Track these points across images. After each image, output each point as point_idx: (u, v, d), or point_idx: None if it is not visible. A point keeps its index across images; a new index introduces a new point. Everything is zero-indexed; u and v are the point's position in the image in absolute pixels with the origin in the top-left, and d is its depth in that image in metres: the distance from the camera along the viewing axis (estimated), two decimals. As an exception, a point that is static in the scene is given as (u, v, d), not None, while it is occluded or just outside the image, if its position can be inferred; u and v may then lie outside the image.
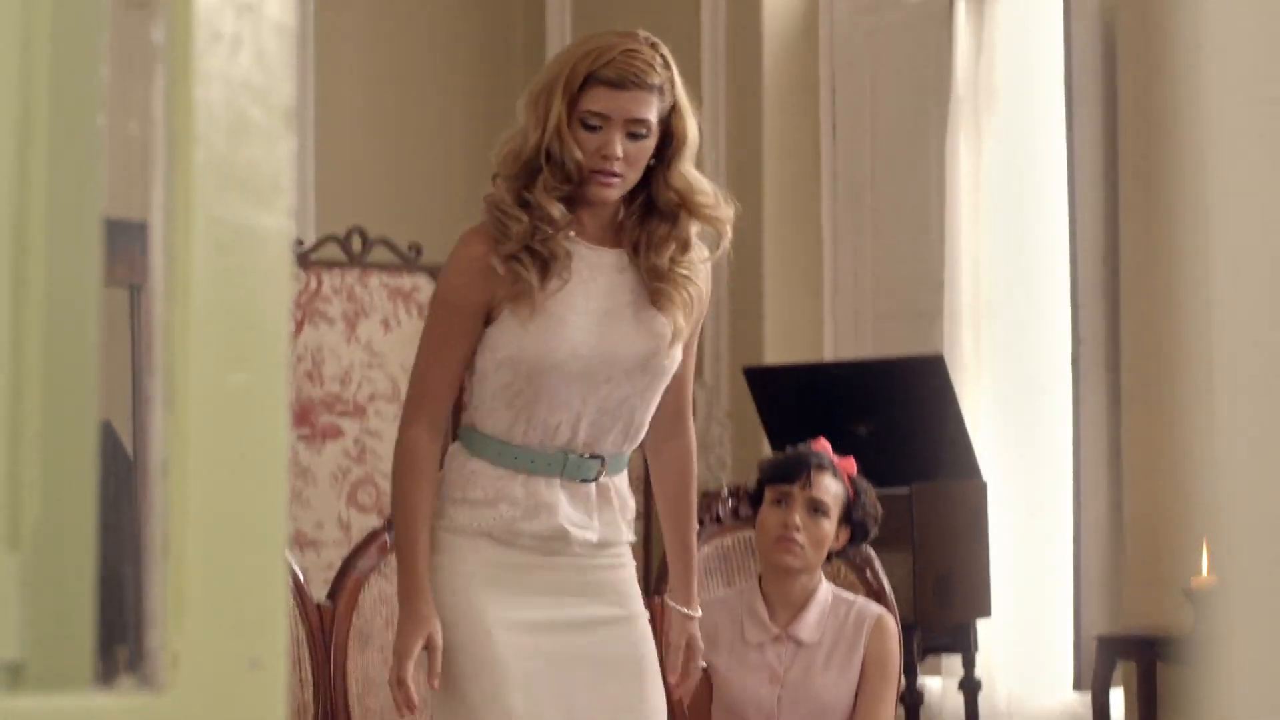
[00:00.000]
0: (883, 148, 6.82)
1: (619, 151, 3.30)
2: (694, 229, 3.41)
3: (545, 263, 3.35)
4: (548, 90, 3.34)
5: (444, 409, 3.44)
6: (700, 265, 3.44)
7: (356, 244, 6.84)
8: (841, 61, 6.88)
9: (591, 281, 3.40)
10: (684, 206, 3.38)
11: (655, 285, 3.39)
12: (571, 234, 3.38)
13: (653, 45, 3.36)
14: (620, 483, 3.49)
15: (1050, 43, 6.29)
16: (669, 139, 3.38)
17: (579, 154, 3.30)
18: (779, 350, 6.86)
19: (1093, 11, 6.15)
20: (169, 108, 1.21)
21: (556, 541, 3.40)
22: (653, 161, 3.39)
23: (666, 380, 3.45)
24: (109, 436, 5.15)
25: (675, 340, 3.41)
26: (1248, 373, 0.83)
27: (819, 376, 6.34)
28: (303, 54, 6.99)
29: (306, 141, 7.05)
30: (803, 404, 6.03)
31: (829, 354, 6.97)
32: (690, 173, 3.40)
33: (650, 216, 3.41)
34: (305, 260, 6.74)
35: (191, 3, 1.26)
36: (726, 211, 3.42)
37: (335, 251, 6.84)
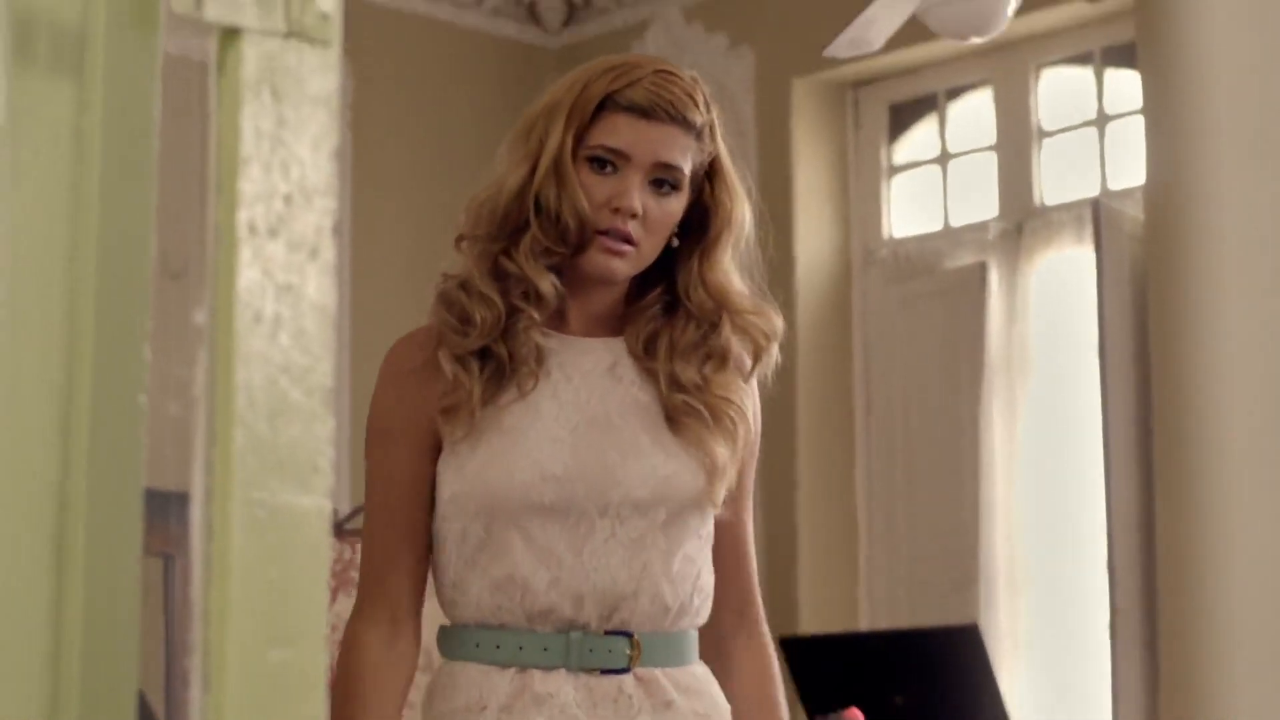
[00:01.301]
0: (916, 415, 6.83)
1: (637, 205, 2.40)
2: (727, 336, 2.51)
3: (502, 368, 2.42)
4: (546, 115, 2.45)
5: (403, 590, 2.42)
6: (742, 385, 2.53)
7: (391, 513, 6.83)
8: (874, 330, 6.93)
9: (565, 383, 2.46)
10: (724, 309, 2.50)
11: (678, 400, 2.45)
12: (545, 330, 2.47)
13: (693, 79, 2.51)
14: (689, 677, 2.47)
15: (1083, 307, 6.32)
16: (704, 214, 2.51)
17: (583, 203, 2.40)
18: (814, 619, 6.82)
19: (1124, 278, 6.20)
20: (211, 390, 1.23)
21: None
22: (675, 241, 2.50)
23: (705, 526, 2.48)
24: (143, 708, 5.12)
25: (716, 479, 2.45)
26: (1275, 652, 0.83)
27: (855, 646, 6.29)
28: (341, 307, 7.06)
29: (343, 417, 7.09)
30: (839, 673, 5.98)
31: (865, 623, 6.93)
32: (730, 267, 2.53)
33: (674, 316, 2.51)
34: (340, 530, 6.74)
35: (234, 285, 1.28)
36: (775, 323, 2.53)
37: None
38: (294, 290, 1.26)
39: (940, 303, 6.79)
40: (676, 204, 2.46)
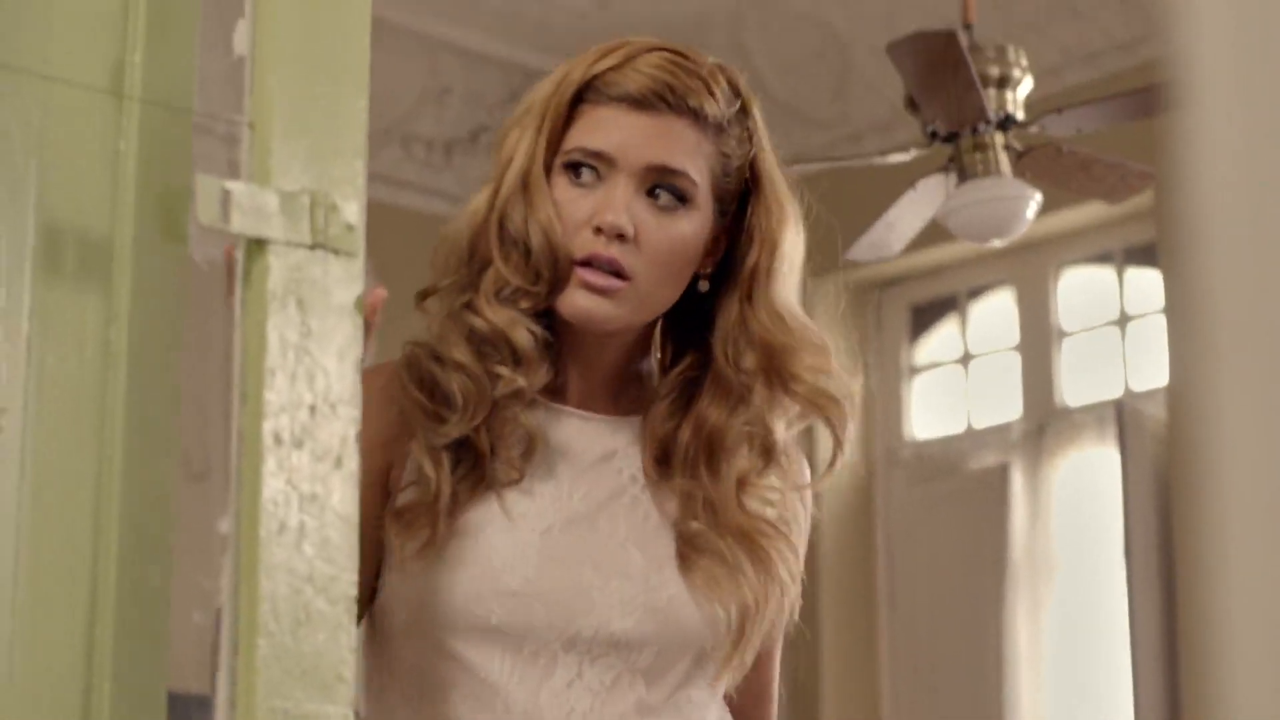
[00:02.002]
0: (940, 615, 6.79)
1: (622, 220, 1.79)
2: (785, 421, 1.87)
3: (482, 461, 1.82)
4: (518, 118, 1.87)
5: None
6: (793, 498, 1.90)
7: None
8: (897, 530, 6.91)
9: (545, 470, 1.84)
10: (771, 372, 1.85)
11: (691, 529, 1.83)
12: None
13: (716, 65, 1.88)
14: None
15: (1107, 507, 6.30)
16: (745, 238, 1.90)
17: (555, 222, 1.80)
18: (840, 823, 6.74)
19: (1148, 479, 6.18)
20: (235, 599, 1.23)
21: None
22: (703, 285, 1.90)
23: (708, 673, 1.85)
24: None
25: (739, 636, 1.81)
26: None
27: None
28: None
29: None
30: None
31: (891, 826, 6.85)
32: (788, 307, 1.91)
33: (700, 386, 1.88)
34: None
35: (259, 495, 1.28)
36: (849, 385, 1.92)
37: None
38: (318, 500, 1.27)
39: (963, 503, 6.77)
40: (687, 224, 1.82)
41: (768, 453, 1.87)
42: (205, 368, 1.57)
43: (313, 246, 1.32)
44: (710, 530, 1.82)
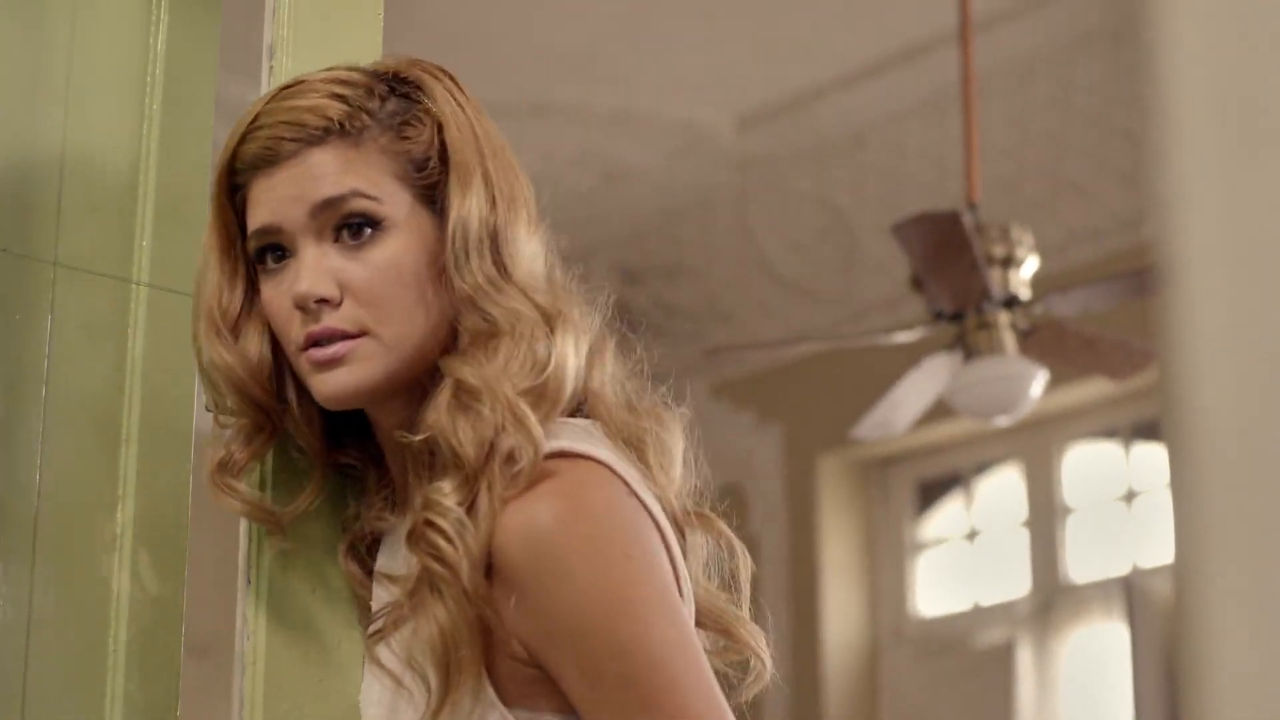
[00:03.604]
0: (949, 796, 6.73)
1: (312, 284, 1.55)
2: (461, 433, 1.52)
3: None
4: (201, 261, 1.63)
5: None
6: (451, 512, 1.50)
7: None
8: (903, 708, 6.86)
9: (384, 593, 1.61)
10: (448, 374, 1.56)
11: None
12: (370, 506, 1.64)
13: (347, 69, 1.62)
14: None
15: (1114, 684, 6.26)
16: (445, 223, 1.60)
17: (288, 330, 1.57)
18: None
19: (1157, 657, 6.16)
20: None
21: None
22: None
23: None
24: None
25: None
26: None
27: None
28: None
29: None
30: None
31: None
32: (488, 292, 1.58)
33: None
34: None
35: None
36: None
37: None
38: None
39: (970, 680, 6.74)
40: (390, 244, 1.57)
41: (454, 462, 1.54)
42: (212, 549, 1.58)
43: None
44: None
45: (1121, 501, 6.45)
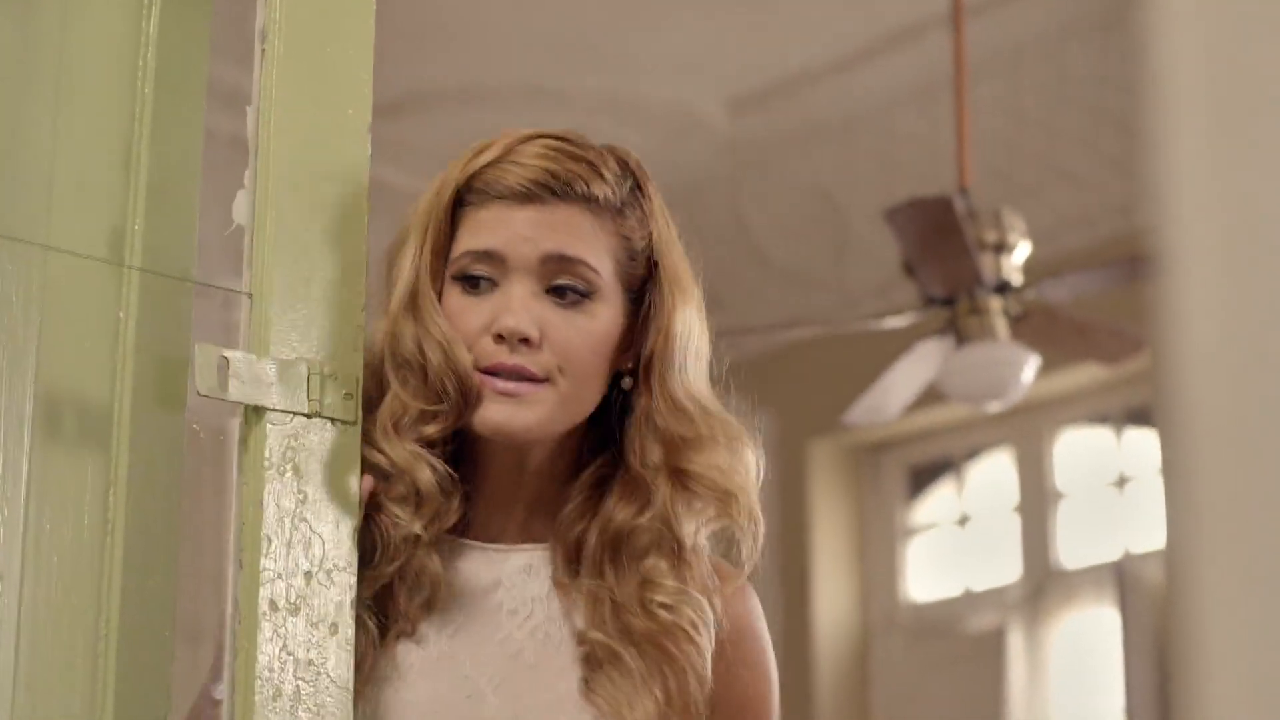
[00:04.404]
0: (940, 781, 6.74)
1: (523, 322, 1.66)
2: (695, 521, 1.73)
3: (393, 594, 1.66)
4: (400, 242, 1.73)
5: None
6: (699, 599, 1.72)
7: None
8: (894, 693, 6.87)
9: (440, 611, 1.68)
10: (672, 468, 1.72)
11: (595, 639, 1.69)
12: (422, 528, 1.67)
13: (607, 147, 1.78)
14: None
15: (1105, 668, 6.27)
16: (642, 325, 1.76)
17: (447, 332, 1.67)
18: None
19: (1148, 642, 6.15)
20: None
21: None
22: (627, 381, 1.76)
23: None
24: None
25: None
26: None
27: None
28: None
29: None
30: None
31: None
32: (692, 396, 1.76)
33: (608, 492, 1.74)
34: None
35: (254, 661, 1.29)
36: (744, 472, 1.75)
37: None
38: (314, 666, 1.27)
39: (961, 665, 6.74)
40: (596, 318, 1.70)
41: (673, 553, 1.71)
42: (201, 533, 1.57)
43: (310, 415, 1.33)
44: (615, 639, 1.69)
45: (1113, 487, 6.45)
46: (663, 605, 1.69)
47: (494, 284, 1.68)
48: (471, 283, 1.68)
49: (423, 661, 1.64)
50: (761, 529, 1.75)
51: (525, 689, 1.67)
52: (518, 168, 1.68)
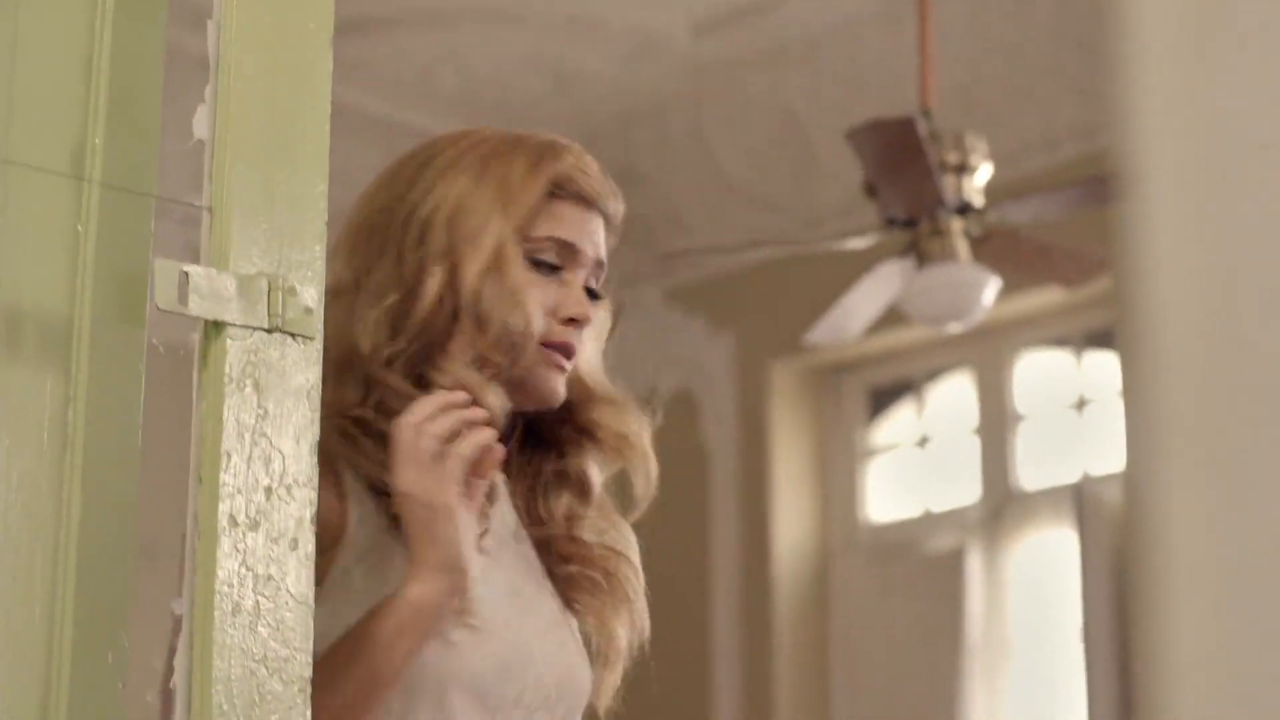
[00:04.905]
0: (896, 700, 6.78)
1: (591, 314, 1.95)
2: (597, 465, 1.99)
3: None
4: (475, 192, 1.93)
5: None
6: (621, 525, 2.00)
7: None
8: (853, 614, 6.90)
9: (496, 543, 1.91)
10: (571, 422, 1.98)
11: (559, 569, 1.96)
12: None
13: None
14: None
15: (1064, 590, 6.31)
16: None
17: (535, 307, 1.91)
18: None
19: (1106, 564, 6.20)
20: (188, 680, 1.23)
21: None
22: None
23: None
24: None
25: (609, 665, 1.94)
26: None
27: None
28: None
29: None
30: None
31: None
32: (586, 370, 1.99)
33: (530, 449, 2.00)
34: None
35: (213, 576, 1.29)
36: (636, 423, 1.99)
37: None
38: (274, 582, 1.27)
39: (920, 586, 6.78)
40: (604, 312, 2.00)
41: (585, 487, 1.97)
42: (161, 449, 1.57)
43: (270, 330, 1.32)
44: (565, 558, 1.96)
45: (1072, 409, 6.48)
46: (590, 535, 1.97)
47: (556, 270, 1.93)
48: (542, 264, 1.92)
49: (490, 570, 1.84)
50: (654, 468, 1.99)
51: (545, 603, 1.93)
52: (587, 176, 1.96)
